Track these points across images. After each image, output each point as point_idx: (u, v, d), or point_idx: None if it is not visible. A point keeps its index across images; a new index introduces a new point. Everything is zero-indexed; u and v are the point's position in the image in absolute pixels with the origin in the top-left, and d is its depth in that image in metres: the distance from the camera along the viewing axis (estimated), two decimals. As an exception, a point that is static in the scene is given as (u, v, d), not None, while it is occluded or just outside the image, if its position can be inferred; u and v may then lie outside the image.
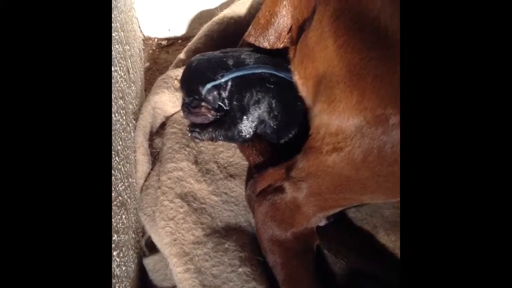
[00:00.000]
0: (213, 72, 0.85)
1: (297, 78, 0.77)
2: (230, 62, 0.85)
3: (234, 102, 0.85)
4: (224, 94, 0.85)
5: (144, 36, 1.26)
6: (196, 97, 0.85)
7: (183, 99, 0.90)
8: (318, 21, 0.69)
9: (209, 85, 0.84)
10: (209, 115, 0.87)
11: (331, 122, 0.63)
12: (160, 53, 1.25)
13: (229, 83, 0.84)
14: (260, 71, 0.84)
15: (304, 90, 0.75)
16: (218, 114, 0.87)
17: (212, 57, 0.88)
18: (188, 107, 0.87)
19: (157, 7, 1.19)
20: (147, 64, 1.21)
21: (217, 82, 0.84)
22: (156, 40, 1.28)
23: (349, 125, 0.59)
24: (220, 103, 0.86)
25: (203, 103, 0.86)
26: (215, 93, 0.85)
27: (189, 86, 0.87)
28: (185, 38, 1.25)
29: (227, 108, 0.86)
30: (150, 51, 1.26)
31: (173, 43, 1.27)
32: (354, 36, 0.60)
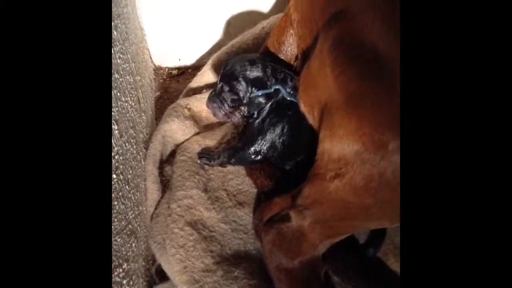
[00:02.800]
0: (269, 80, 0.84)
1: (302, 106, 0.78)
2: (280, 76, 0.85)
3: (259, 119, 0.85)
4: (266, 106, 0.85)
5: (155, 66, 1.28)
6: (241, 96, 0.85)
7: (221, 92, 0.87)
8: (319, 50, 0.70)
9: (261, 92, 0.84)
10: (236, 119, 0.88)
11: (333, 149, 0.64)
12: (171, 82, 1.28)
13: (274, 98, 0.85)
14: (291, 98, 0.84)
15: (310, 118, 0.76)
16: (243, 120, 0.88)
17: (268, 64, 0.86)
18: (224, 102, 0.86)
19: (168, 38, 1.22)
20: (158, 93, 1.23)
21: (268, 91, 0.84)
22: (167, 69, 1.30)
23: (349, 152, 0.60)
24: (256, 113, 0.86)
25: (243, 106, 0.86)
26: (262, 100, 0.85)
27: (238, 82, 0.85)
28: (195, 67, 1.27)
29: (252, 119, 0.87)
30: (161, 80, 1.28)
31: (183, 72, 1.30)
32: (352, 64, 0.62)
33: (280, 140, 0.84)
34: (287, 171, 0.87)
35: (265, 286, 0.76)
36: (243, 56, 0.89)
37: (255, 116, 0.87)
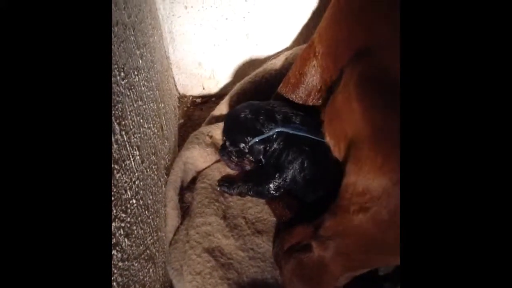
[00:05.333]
0: (262, 124, 0.86)
1: (328, 139, 0.78)
2: (279, 116, 0.87)
3: (272, 158, 0.86)
4: (268, 148, 0.87)
5: (179, 94, 1.31)
6: (241, 147, 0.87)
7: (226, 146, 0.91)
8: (345, 84, 0.71)
9: (257, 139, 0.86)
10: (247, 167, 0.90)
11: (358, 182, 0.63)
12: (195, 110, 1.30)
13: (276, 139, 0.86)
14: (302, 133, 0.85)
15: (336, 150, 0.76)
16: (255, 166, 0.89)
17: (261, 108, 0.89)
18: (230, 155, 0.89)
19: (192, 67, 1.24)
20: (182, 120, 1.25)
21: (265, 136, 0.85)
22: (191, 97, 1.33)
23: (375, 186, 0.60)
24: (261, 156, 0.87)
25: (247, 155, 0.88)
26: (261, 146, 0.86)
27: (236, 135, 0.89)
28: (219, 96, 1.29)
29: (264, 162, 0.87)
30: (185, 108, 1.30)
31: (207, 101, 1.32)
32: (378, 99, 0.62)
33: (302, 175, 0.85)
34: (307, 202, 0.87)
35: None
36: (239, 107, 0.92)
37: (263, 160, 0.88)
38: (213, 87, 1.31)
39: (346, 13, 0.80)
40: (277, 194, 0.86)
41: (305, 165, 0.84)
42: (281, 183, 0.85)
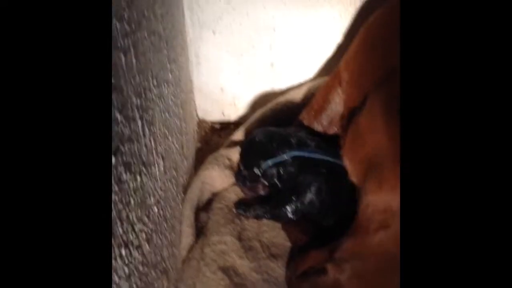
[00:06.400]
0: (276, 148, 0.87)
1: (347, 163, 0.79)
2: (293, 140, 0.88)
3: (288, 182, 0.86)
4: (282, 172, 0.87)
5: (199, 118, 1.32)
6: (255, 171, 0.88)
7: (241, 171, 0.92)
8: (370, 106, 0.72)
9: (270, 162, 0.86)
10: (262, 191, 0.89)
11: (379, 200, 0.63)
12: (213, 136, 1.31)
13: (289, 162, 0.86)
14: (318, 156, 0.86)
15: (354, 173, 0.76)
16: (271, 190, 0.89)
17: (276, 132, 0.91)
18: (245, 180, 0.90)
19: (214, 92, 1.26)
20: (199, 144, 1.25)
21: (278, 160, 0.86)
22: (210, 123, 1.34)
23: (397, 202, 0.60)
24: (276, 180, 0.87)
25: (260, 179, 0.88)
26: (274, 170, 0.87)
27: (249, 159, 0.90)
28: (238, 123, 1.30)
29: (280, 186, 0.87)
30: (203, 133, 1.31)
31: (226, 127, 1.33)
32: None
33: (319, 198, 0.85)
34: (323, 227, 0.86)
35: None
36: (255, 132, 0.94)
37: (279, 184, 0.88)
38: (233, 114, 1.32)
39: (373, 43, 0.82)
40: (294, 217, 0.86)
41: (322, 188, 0.84)
42: (299, 206, 0.85)
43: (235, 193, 0.99)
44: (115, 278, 0.51)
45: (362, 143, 0.73)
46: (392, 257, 0.63)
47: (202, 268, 0.82)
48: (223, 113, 1.32)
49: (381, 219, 0.63)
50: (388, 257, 0.63)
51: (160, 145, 0.73)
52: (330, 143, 0.90)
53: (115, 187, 0.50)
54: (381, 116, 0.67)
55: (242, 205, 0.94)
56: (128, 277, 0.56)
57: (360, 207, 0.69)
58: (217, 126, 1.34)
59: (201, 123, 1.33)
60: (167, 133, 0.79)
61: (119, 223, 0.51)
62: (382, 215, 0.63)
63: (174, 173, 0.86)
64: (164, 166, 0.76)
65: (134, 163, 0.58)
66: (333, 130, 0.92)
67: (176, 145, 0.89)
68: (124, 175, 0.53)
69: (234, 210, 0.94)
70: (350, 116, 0.83)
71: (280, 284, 0.83)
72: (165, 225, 0.77)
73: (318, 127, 0.94)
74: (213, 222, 0.92)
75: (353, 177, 0.77)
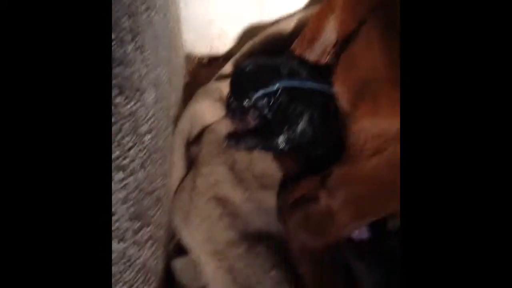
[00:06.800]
0: (266, 78, 0.86)
1: (338, 89, 0.78)
2: (284, 70, 0.87)
3: (279, 112, 0.85)
4: (273, 103, 0.86)
5: (186, 52, 1.29)
6: (245, 102, 0.87)
7: (230, 103, 0.91)
8: (366, 31, 0.71)
9: (260, 92, 0.85)
10: (253, 123, 0.89)
11: (374, 126, 0.63)
12: (201, 70, 1.28)
13: (280, 92, 0.85)
14: (310, 85, 0.85)
15: (344, 98, 0.75)
16: (261, 122, 0.88)
17: (265, 63, 0.89)
18: (235, 112, 0.88)
19: (202, 25, 1.22)
20: (187, 78, 1.23)
21: (269, 90, 0.85)
22: (197, 57, 1.30)
23: (393, 126, 0.60)
24: (266, 111, 0.86)
25: (250, 110, 0.87)
26: (264, 101, 0.86)
27: (239, 90, 0.89)
28: (226, 57, 1.27)
29: (270, 116, 0.87)
30: (191, 68, 1.28)
31: (214, 61, 1.30)
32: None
33: (311, 129, 0.84)
34: (315, 157, 0.87)
35: (285, 264, 0.75)
36: (244, 63, 0.92)
37: (270, 116, 0.87)
38: (222, 48, 1.29)
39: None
40: (286, 147, 0.85)
41: (314, 118, 0.84)
42: (290, 136, 0.84)
43: (226, 126, 0.98)
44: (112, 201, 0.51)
45: (356, 68, 0.72)
46: (387, 182, 0.63)
47: (194, 198, 0.83)
48: (211, 47, 1.29)
49: (376, 144, 0.63)
50: (383, 182, 0.64)
51: (151, 73, 0.71)
52: (323, 72, 0.89)
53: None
54: (378, 41, 0.66)
55: (233, 137, 0.93)
56: (124, 202, 0.56)
57: (352, 133, 0.69)
58: (205, 61, 1.31)
59: (188, 57, 1.30)
60: (156, 62, 0.77)
61: (115, 145, 0.51)
62: (376, 140, 0.63)
63: (165, 103, 0.85)
64: (156, 95, 0.75)
65: (126, 87, 0.56)
66: (326, 59, 0.90)
67: (165, 76, 0.87)
68: (118, 98, 0.52)
69: (225, 142, 0.93)
70: (343, 43, 0.82)
71: (272, 214, 0.84)
72: (159, 154, 0.77)
73: (310, 56, 0.92)
74: (204, 154, 0.91)
75: (344, 102, 0.76)
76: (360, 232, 0.75)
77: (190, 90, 1.18)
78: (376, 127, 0.62)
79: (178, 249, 0.87)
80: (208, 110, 0.98)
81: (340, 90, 0.76)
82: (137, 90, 0.61)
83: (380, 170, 0.63)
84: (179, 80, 1.10)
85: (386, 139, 0.61)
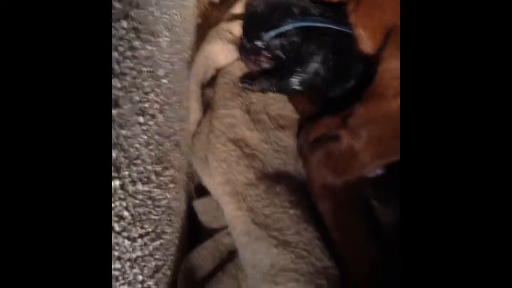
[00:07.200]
0: (278, 18, 0.84)
1: (361, 31, 0.76)
2: (296, 10, 0.85)
3: (292, 52, 0.84)
4: (285, 43, 0.84)
5: (197, -8, 1.26)
6: (257, 43, 0.85)
7: (243, 44, 0.90)
8: None
9: (273, 32, 0.83)
10: (266, 64, 0.88)
11: (399, 67, 0.62)
12: (212, 11, 1.25)
13: (293, 32, 0.84)
14: (323, 25, 0.83)
15: (368, 40, 0.74)
16: (275, 63, 0.87)
17: (277, 2, 0.87)
18: (248, 53, 0.87)
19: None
20: (199, 20, 1.21)
21: (281, 30, 0.83)
22: (208, -3, 1.27)
23: None
24: (279, 52, 0.85)
25: (263, 51, 0.86)
26: (277, 41, 0.84)
27: (251, 31, 0.87)
28: (237, -4, 1.25)
29: (283, 57, 0.86)
30: (203, 8, 1.26)
31: (225, 1, 1.27)
32: None
33: (325, 67, 0.83)
34: (332, 97, 0.86)
35: (304, 203, 0.77)
36: (255, 2, 0.89)
37: (283, 56, 0.85)
38: (232, -14, 1.26)
39: None
40: (300, 88, 0.85)
41: (328, 57, 0.83)
42: (304, 77, 0.84)
43: (240, 68, 0.97)
44: (135, 144, 0.52)
45: (381, 9, 0.71)
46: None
47: (212, 140, 0.83)
48: (221, -14, 1.26)
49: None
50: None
51: (165, 16, 0.70)
52: (336, 11, 0.87)
53: (127, 53, 0.48)
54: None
55: (247, 79, 0.93)
56: (147, 145, 0.57)
57: (377, 73, 0.68)
58: (217, 1, 1.28)
59: (199, -3, 1.27)
60: (169, 3, 0.76)
61: (135, 90, 0.51)
62: (401, 81, 0.62)
63: (179, 46, 0.84)
64: (170, 38, 0.74)
65: (142, 31, 0.56)
66: (341, -1, 0.88)
67: (179, 18, 0.86)
68: (134, 41, 0.52)
69: (239, 84, 0.93)
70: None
71: (289, 153, 0.84)
72: (175, 98, 0.77)
73: (323, -4, 0.90)
74: (219, 97, 0.91)
75: (367, 44, 0.75)
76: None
77: (203, 31, 1.17)
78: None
79: (199, 191, 0.90)
80: (221, 52, 0.97)
81: (365, 34, 0.75)
82: (152, 33, 0.61)
83: (404, 111, 0.63)
84: (192, 21, 1.08)
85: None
